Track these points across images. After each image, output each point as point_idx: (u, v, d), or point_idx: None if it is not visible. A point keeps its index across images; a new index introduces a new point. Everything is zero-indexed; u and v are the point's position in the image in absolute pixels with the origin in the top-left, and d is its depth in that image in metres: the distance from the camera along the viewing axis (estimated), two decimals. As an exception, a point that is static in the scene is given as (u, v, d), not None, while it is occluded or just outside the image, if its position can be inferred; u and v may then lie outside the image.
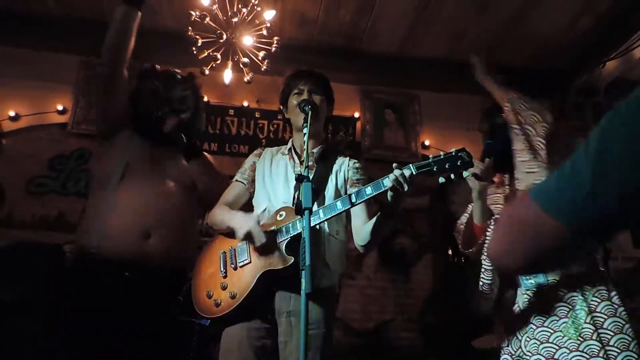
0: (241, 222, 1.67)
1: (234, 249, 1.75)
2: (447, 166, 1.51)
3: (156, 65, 2.44)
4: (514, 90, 2.14)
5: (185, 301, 1.86)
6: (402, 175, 1.51)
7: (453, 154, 1.52)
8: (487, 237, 1.96)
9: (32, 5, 3.91)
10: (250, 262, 1.69)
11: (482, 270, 1.88)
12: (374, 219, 1.69)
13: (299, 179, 1.31)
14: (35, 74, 3.98)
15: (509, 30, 4.09)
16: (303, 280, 1.06)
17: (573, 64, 4.40)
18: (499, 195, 2.00)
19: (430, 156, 1.55)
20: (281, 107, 2.07)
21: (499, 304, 1.86)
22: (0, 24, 3.87)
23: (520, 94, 2.10)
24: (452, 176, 1.52)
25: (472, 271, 3.81)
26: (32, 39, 4.03)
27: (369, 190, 1.59)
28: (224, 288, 1.67)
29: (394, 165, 1.56)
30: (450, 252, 4.00)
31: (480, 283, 1.86)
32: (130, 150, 2.11)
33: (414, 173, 1.52)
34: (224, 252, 1.77)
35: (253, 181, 1.95)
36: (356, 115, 4.41)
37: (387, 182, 1.54)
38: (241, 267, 1.70)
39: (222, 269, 1.72)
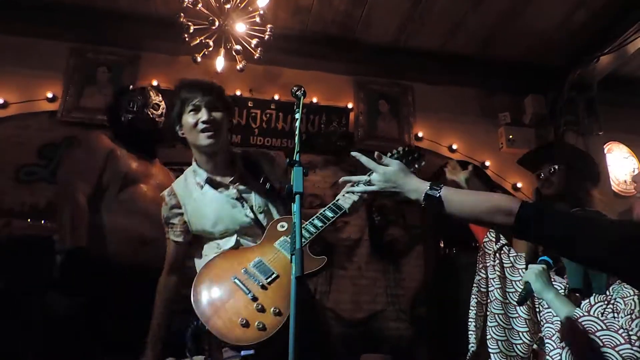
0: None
1: (247, 270, 1.65)
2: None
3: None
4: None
5: (195, 342, 1.72)
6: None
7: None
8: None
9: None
10: (279, 275, 1.63)
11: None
12: None
13: (291, 164, 1.29)
14: (24, 61, 3.92)
15: (504, 24, 4.08)
16: (293, 265, 1.05)
17: (567, 59, 4.41)
18: None
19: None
20: (174, 123, 1.93)
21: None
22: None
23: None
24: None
25: (463, 262, 3.83)
26: (21, 26, 3.96)
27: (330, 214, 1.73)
28: (262, 310, 1.55)
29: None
30: (441, 243, 4.01)
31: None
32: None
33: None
34: (237, 277, 1.64)
35: (187, 231, 1.89)
36: (350, 105, 4.39)
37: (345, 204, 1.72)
38: (270, 283, 1.61)
39: (247, 293, 1.58)
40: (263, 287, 1.60)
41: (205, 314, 1.56)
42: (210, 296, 1.61)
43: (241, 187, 1.87)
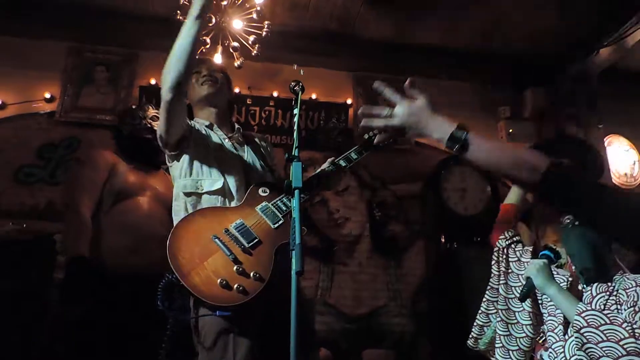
0: None
1: (229, 231, 1.66)
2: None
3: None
4: None
5: (167, 295, 1.68)
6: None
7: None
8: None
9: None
10: (260, 240, 1.65)
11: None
12: None
13: (290, 159, 1.29)
14: (21, 62, 3.91)
15: (503, 18, 4.06)
16: (293, 260, 1.05)
17: (567, 52, 4.39)
18: None
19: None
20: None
21: None
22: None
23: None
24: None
25: (464, 257, 3.82)
26: (18, 26, 3.95)
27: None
28: (243, 273, 1.57)
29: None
30: (442, 238, 4.00)
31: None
32: None
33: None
34: (217, 237, 1.64)
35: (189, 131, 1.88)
36: (349, 101, 4.38)
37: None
38: (252, 247, 1.63)
39: (229, 254, 1.59)
40: (245, 250, 1.63)
41: (182, 269, 1.54)
42: (188, 252, 1.59)
43: (237, 144, 1.98)
